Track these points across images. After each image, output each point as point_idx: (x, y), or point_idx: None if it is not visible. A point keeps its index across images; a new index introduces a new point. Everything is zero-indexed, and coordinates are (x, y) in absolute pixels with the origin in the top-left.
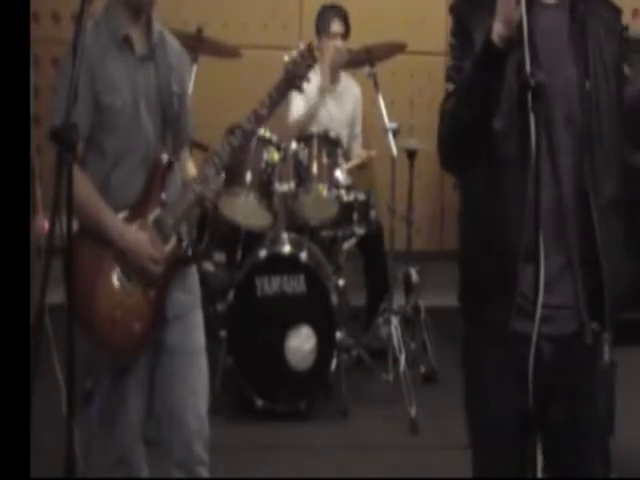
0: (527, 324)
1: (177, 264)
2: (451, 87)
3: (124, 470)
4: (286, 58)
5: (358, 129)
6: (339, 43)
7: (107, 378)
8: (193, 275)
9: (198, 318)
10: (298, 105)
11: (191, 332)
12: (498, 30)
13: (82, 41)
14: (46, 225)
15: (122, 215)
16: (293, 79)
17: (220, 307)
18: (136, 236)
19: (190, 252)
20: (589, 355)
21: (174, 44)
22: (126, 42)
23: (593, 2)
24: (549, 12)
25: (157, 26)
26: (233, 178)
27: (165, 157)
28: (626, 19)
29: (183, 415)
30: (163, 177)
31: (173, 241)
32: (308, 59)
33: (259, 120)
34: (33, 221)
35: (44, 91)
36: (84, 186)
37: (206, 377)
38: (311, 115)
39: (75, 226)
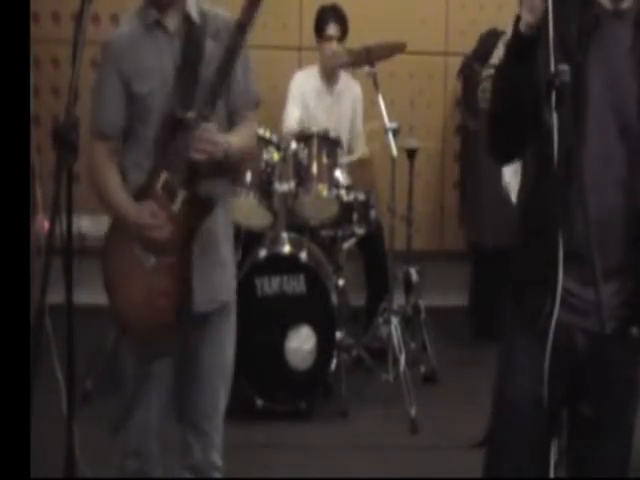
0: (567, 315)
1: (192, 216)
2: None
3: (137, 461)
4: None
5: (360, 126)
6: (334, 46)
7: (131, 369)
8: (220, 266)
9: (231, 325)
10: (293, 112)
11: (223, 346)
12: (524, 17)
13: (82, 41)
14: (46, 225)
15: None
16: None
17: None
18: (135, 210)
19: (203, 200)
20: (624, 358)
21: (217, 15)
22: (157, 25)
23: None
24: (613, 21)
25: (201, 6)
26: (233, 178)
27: (176, 114)
28: None
29: (206, 427)
30: (169, 134)
31: (181, 196)
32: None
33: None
34: (33, 221)
35: (44, 91)
36: (108, 178)
37: (228, 391)
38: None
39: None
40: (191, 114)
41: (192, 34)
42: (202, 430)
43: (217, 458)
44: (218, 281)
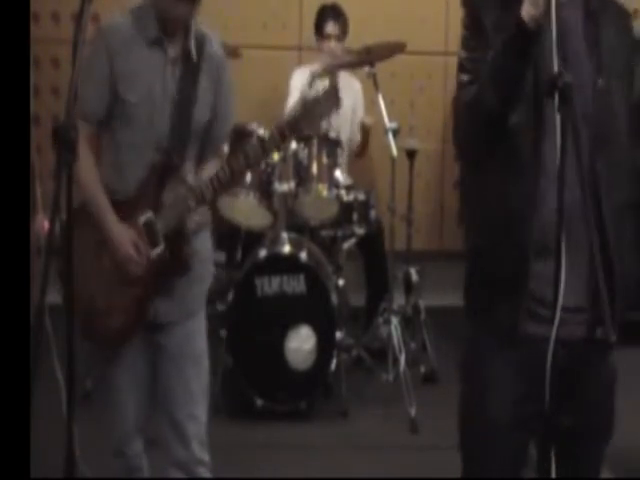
0: (536, 326)
1: (165, 271)
2: (466, 78)
3: (122, 462)
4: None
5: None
6: (332, 44)
7: (99, 373)
8: (196, 282)
9: (199, 324)
10: (292, 102)
11: (191, 338)
12: (527, 11)
13: (82, 41)
14: (46, 225)
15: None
16: (310, 117)
17: (220, 307)
18: (121, 232)
19: (180, 264)
20: (598, 360)
21: (216, 52)
22: (158, 43)
23: (605, 2)
24: (565, 6)
25: (200, 31)
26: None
27: (167, 159)
28: None
29: (180, 418)
30: (161, 180)
31: (161, 247)
32: (330, 102)
33: (266, 148)
34: (33, 221)
35: (44, 91)
36: (86, 167)
37: (206, 381)
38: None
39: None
40: (185, 163)
41: (189, 73)
42: (176, 420)
43: (201, 452)
44: (190, 296)
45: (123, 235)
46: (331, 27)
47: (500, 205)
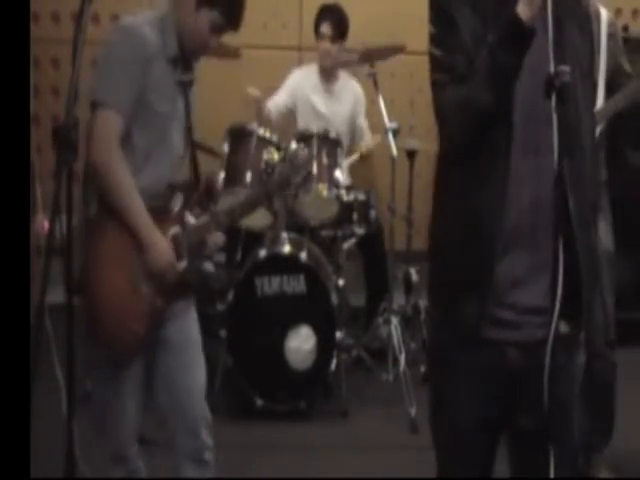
0: (497, 331)
1: (185, 286)
2: (443, 76)
3: (122, 466)
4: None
5: (363, 124)
6: (327, 45)
7: (103, 378)
8: None
9: (193, 314)
10: (279, 99)
11: (187, 327)
12: (522, 10)
13: (82, 41)
14: (46, 225)
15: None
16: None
17: (220, 307)
18: (162, 240)
19: (199, 280)
20: (561, 359)
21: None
22: (173, 61)
23: (570, 5)
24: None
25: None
26: (233, 178)
27: (196, 180)
28: (626, 19)
29: (187, 405)
30: (189, 198)
31: (184, 263)
32: (307, 167)
33: (269, 195)
34: (33, 221)
35: (44, 91)
36: (122, 166)
37: (203, 366)
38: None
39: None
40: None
41: (189, 104)
42: (183, 409)
43: (207, 437)
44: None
45: (165, 243)
46: (325, 27)
47: (468, 204)
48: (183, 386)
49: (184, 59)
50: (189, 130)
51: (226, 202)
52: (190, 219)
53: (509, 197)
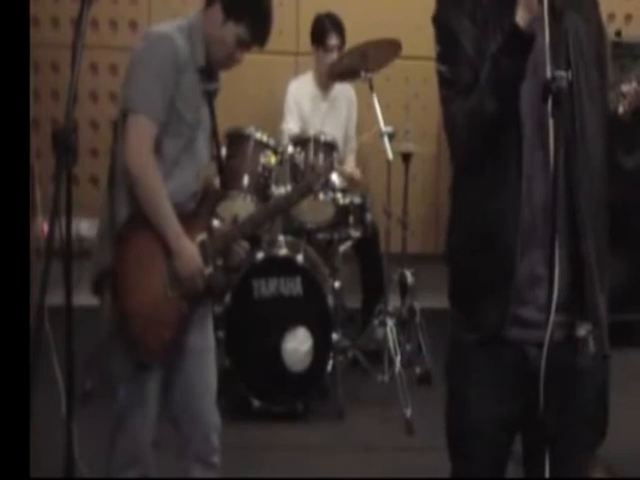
0: (518, 331)
1: (207, 292)
2: (450, 92)
3: (137, 470)
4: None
5: (352, 132)
6: (335, 56)
7: (126, 379)
8: None
9: (209, 317)
10: (289, 125)
11: (206, 334)
12: (520, 15)
13: (81, 45)
14: (45, 228)
15: None
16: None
17: (217, 309)
18: (191, 246)
19: (220, 286)
20: (575, 359)
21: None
22: (201, 72)
23: None
24: None
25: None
26: (231, 181)
27: (218, 187)
28: (619, 24)
29: (202, 410)
30: (214, 205)
31: (210, 269)
32: (327, 175)
33: (291, 203)
34: (33, 224)
35: (44, 95)
36: (155, 173)
37: (215, 372)
38: None
39: (85, 228)
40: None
41: (214, 115)
42: (197, 413)
43: (216, 440)
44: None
45: (194, 249)
46: (334, 39)
47: (485, 207)
48: (198, 391)
49: (210, 69)
50: (215, 138)
51: (235, 208)
52: (217, 225)
53: (524, 199)
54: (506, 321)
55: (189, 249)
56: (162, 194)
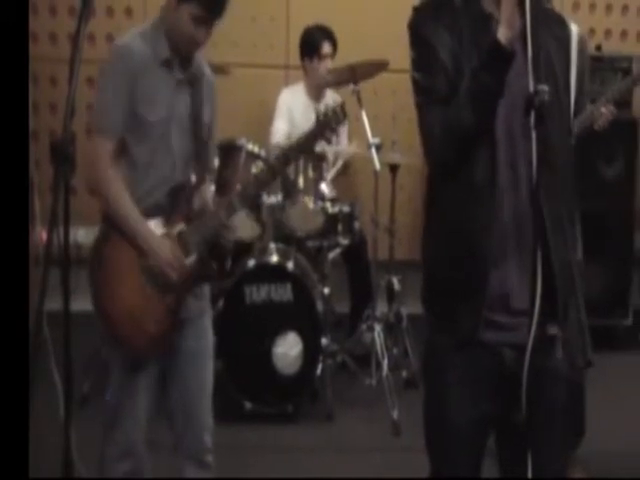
0: (492, 334)
1: (196, 279)
2: (424, 98)
3: (130, 462)
4: (321, 108)
5: (345, 140)
6: (329, 64)
7: (118, 374)
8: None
9: (208, 322)
10: (280, 126)
11: (203, 336)
12: (502, 33)
13: (78, 60)
14: (44, 236)
15: (153, 222)
16: (324, 130)
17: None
18: (159, 241)
19: (210, 271)
20: (547, 358)
21: (209, 75)
22: (166, 64)
23: (542, 15)
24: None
25: (198, 57)
26: (223, 190)
27: (193, 178)
28: (599, 39)
29: (196, 411)
30: (190, 196)
31: (194, 257)
32: (340, 116)
33: (286, 161)
34: (32, 232)
35: (42, 108)
36: (116, 183)
37: (212, 375)
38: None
39: (82, 236)
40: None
41: (196, 95)
42: (191, 414)
43: (209, 440)
44: (201, 294)
45: (163, 243)
46: (327, 47)
47: (461, 217)
48: (194, 391)
49: (180, 58)
50: (196, 126)
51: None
52: (196, 212)
53: (497, 211)
54: (479, 325)
55: (159, 246)
56: (126, 202)
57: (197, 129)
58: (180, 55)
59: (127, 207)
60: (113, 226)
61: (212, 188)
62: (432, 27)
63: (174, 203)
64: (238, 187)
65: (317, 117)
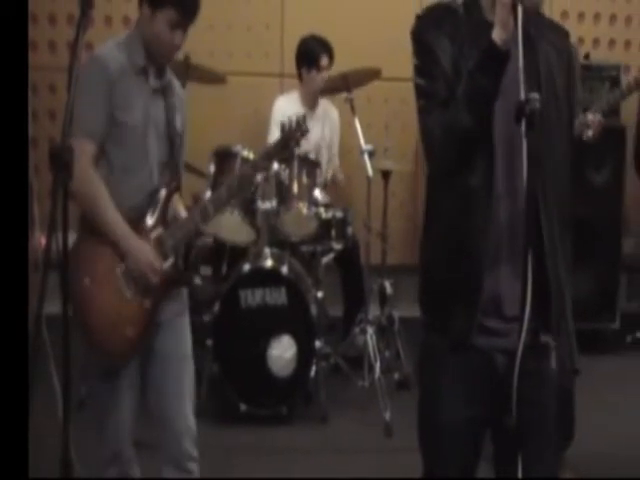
0: (485, 339)
1: (172, 282)
2: (426, 102)
3: (117, 466)
4: (286, 121)
5: (335, 150)
6: (327, 74)
7: (100, 379)
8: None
9: (186, 325)
10: (275, 134)
11: (180, 339)
12: (497, 34)
13: (77, 68)
14: (43, 241)
15: (130, 226)
16: (288, 142)
17: (206, 317)
18: (140, 244)
19: (185, 276)
20: (538, 364)
21: (178, 87)
22: (142, 72)
23: (542, 25)
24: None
25: (168, 71)
26: None
27: (171, 183)
28: (587, 48)
29: (173, 415)
30: (167, 201)
31: (171, 260)
32: (303, 127)
33: (257, 168)
34: (31, 237)
35: (41, 115)
36: (97, 185)
37: (192, 379)
38: None
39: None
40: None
41: (169, 103)
42: (168, 418)
43: (191, 448)
44: (178, 296)
45: (143, 246)
46: (325, 60)
47: (458, 221)
48: (171, 396)
49: (156, 67)
50: (171, 133)
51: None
52: (171, 216)
53: (493, 217)
54: (473, 329)
55: (138, 248)
56: (103, 201)
57: (172, 136)
58: (155, 64)
59: (108, 209)
60: (91, 231)
61: (208, 193)
62: (434, 35)
63: (151, 208)
64: (210, 193)
65: (282, 129)
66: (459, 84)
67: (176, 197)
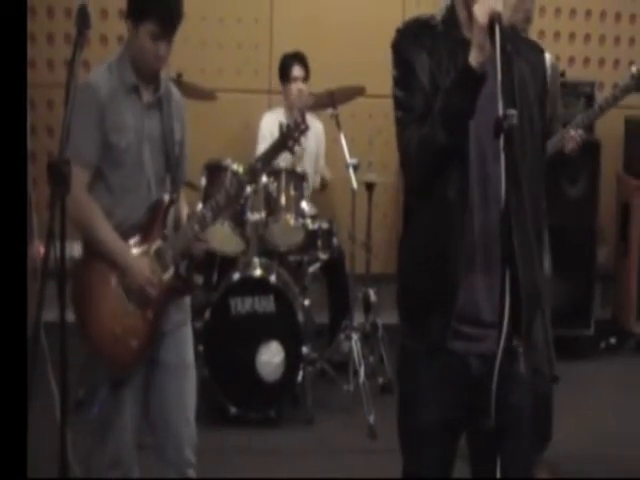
0: (461, 344)
1: (173, 292)
2: (403, 114)
3: (119, 471)
4: (284, 122)
5: (322, 162)
6: (300, 85)
7: (105, 388)
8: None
9: (188, 335)
10: (261, 148)
11: (182, 348)
12: (474, 56)
13: (74, 85)
14: (41, 250)
15: (132, 241)
16: (287, 140)
17: (198, 324)
18: (137, 260)
19: (187, 284)
20: (511, 367)
21: (177, 95)
22: (134, 90)
23: (518, 42)
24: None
25: (164, 76)
26: None
27: (167, 196)
28: (563, 66)
29: (175, 423)
30: (165, 214)
31: (171, 271)
32: (301, 126)
33: (254, 173)
34: (30, 246)
35: (40, 130)
36: (92, 209)
37: (194, 388)
38: None
39: (78, 251)
40: (171, 195)
41: (164, 116)
42: (171, 426)
43: (191, 455)
44: (182, 306)
45: (140, 261)
46: (297, 70)
47: (433, 231)
48: (173, 403)
49: (147, 83)
50: (167, 145)
51: (214, 233)
52: (170, 228)
53: (467, 227)
54: (448, 335)
55: (135, 264)
56: (97, 223)
57: (168, 148)
58: (146, 79)
59: (103, 229)
60: (92, 250)
61: (200, 206)
62: (413, 49)
63: (151, 221)
64: (213, 200)
65: (280, 129)
66: (436, 99)
67: (181, 203)
